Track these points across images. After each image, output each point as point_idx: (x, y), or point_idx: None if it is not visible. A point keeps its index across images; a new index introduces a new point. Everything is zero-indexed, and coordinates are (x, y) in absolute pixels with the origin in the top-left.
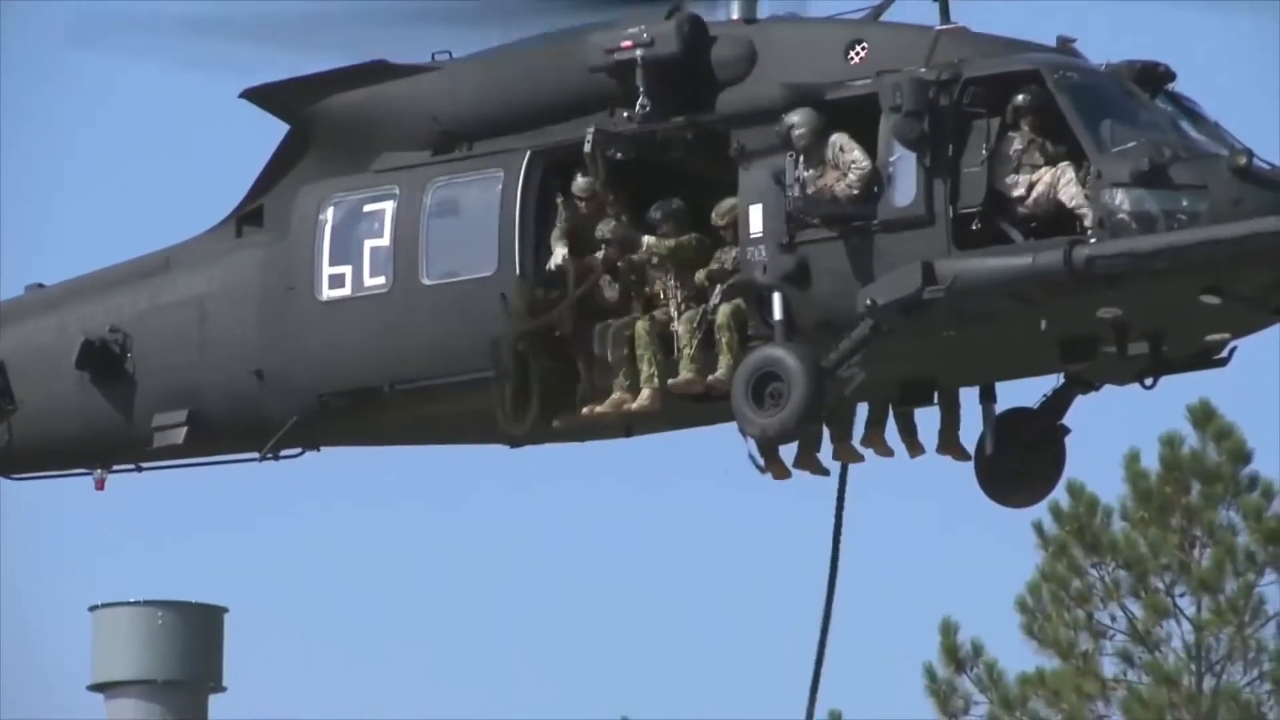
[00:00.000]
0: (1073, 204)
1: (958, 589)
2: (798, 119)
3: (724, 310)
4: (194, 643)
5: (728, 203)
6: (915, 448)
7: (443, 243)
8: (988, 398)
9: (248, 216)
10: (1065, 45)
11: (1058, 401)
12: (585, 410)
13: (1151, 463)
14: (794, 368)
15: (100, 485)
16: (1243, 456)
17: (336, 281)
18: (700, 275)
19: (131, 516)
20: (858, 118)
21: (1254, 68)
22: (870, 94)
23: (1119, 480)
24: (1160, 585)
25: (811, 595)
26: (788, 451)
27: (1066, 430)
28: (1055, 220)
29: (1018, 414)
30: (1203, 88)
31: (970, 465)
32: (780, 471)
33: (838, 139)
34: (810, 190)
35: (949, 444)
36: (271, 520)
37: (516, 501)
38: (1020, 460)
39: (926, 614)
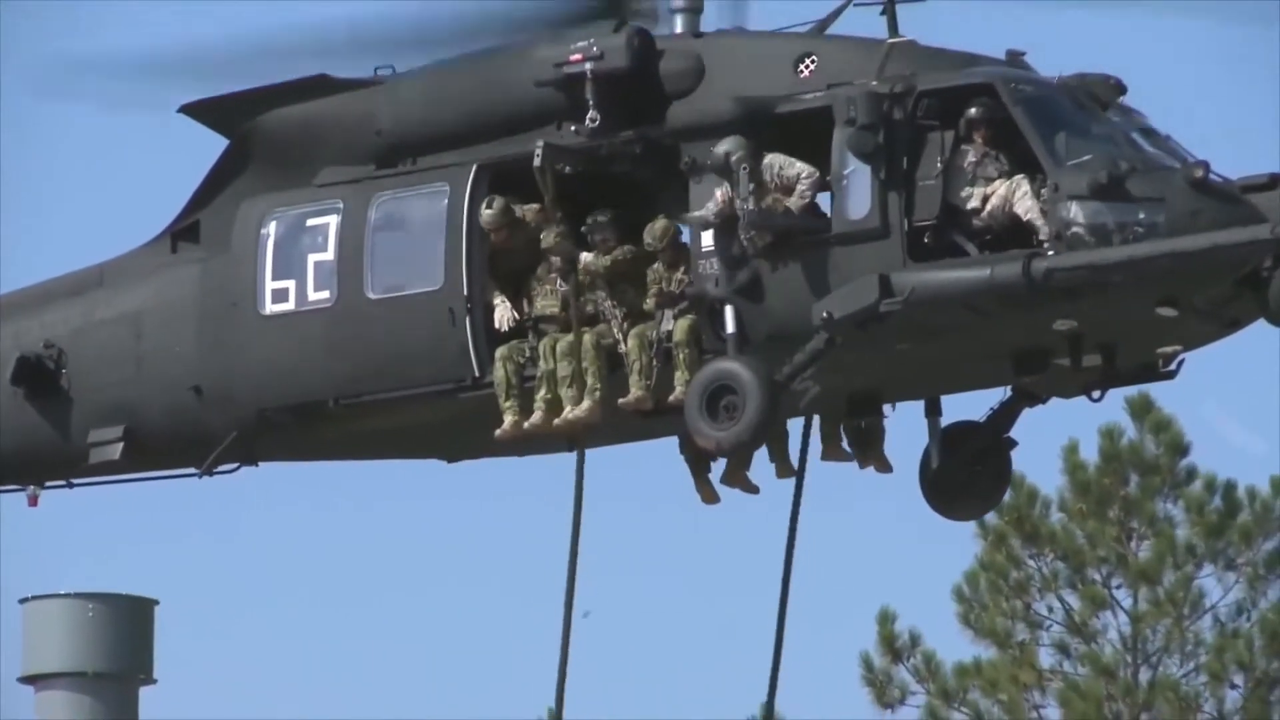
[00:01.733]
0: (1029, 217)
1: (895, 578)
2: (730, 146)
3: (681, 326)
4: (124, 635)
5: (660, 223)
6: (865, 459)
7: (388, 257)
8: (933, 411)
9: (183, 232)
10: (1015, 59)
11: (1004, 414)
12: (525, 423)
13: (1090, 454)
14: (748, 381)
15: (33, 501)
16: (1181, 449)
17: (280, 296)
18: (649, 303)
19: (63, 511)
20: (801, 133)
21: (1199, 76)
22: (823, 107)
23: (1058, 472)
24: (1098, 577)
25: (760, 600)
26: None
27: (1013, 443)
28: (1010, 233)
29: (963, 427)
30: (1150, 99)
31: (894, 466)
32: (709, 495)
33: (772, 160)
34: (762, 204)
35: (876, 455)
36: (202, 514)
37: (450, 513)
38: (966, 473)
39: (864, 604)
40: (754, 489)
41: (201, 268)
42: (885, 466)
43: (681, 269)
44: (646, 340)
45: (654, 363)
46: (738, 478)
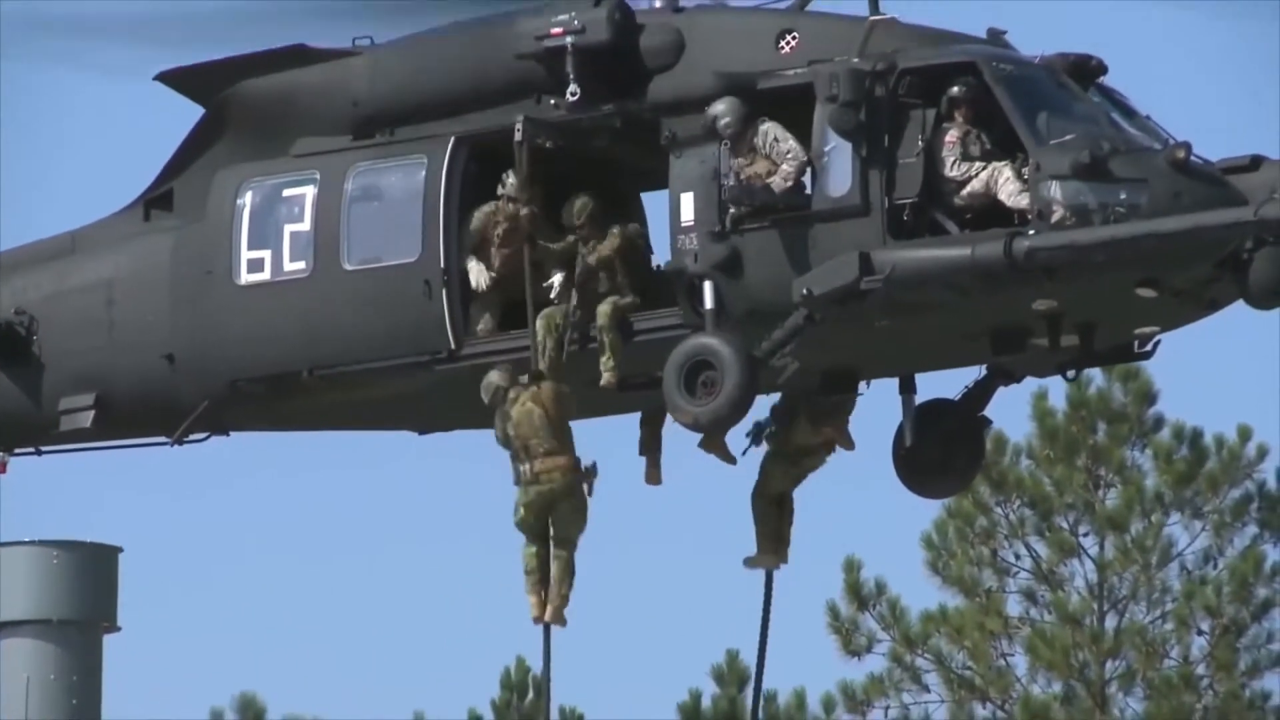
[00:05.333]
0: (1011, 196)
1: (862, 526)
2: (722, 108)
3: (604, 311)
4: (88, 583)
5: (580, 200)
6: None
7: (365, 228)
8: (908, 389)
9: (156, 200)
10: (996, 37)
11: (979, 393)
12: None
13: (1058, 402)
14: (727, 356)
15: (2, 468)
16: (1149, 397)
17: (255, 266)
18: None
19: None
20: (785, 108)
21: (1181, 58)
22: (805, 84)
23: (1026, 419)
24: (1065, 524)
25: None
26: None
27: (987, 422)
28: (990, 211)
29: (938, 405)
30: (1130, 80)
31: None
32: (654, 477)
33: (769, 128)
34: (743, 178)
35: (840, 430)
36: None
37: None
38: (939, 451)
39: (830, 551)
40: (731, 459)
41: (175, 236)
42: (848, 443)
43: (593, 244)
44: (553, 323)
45: (563, 345)
46: (715, 445)
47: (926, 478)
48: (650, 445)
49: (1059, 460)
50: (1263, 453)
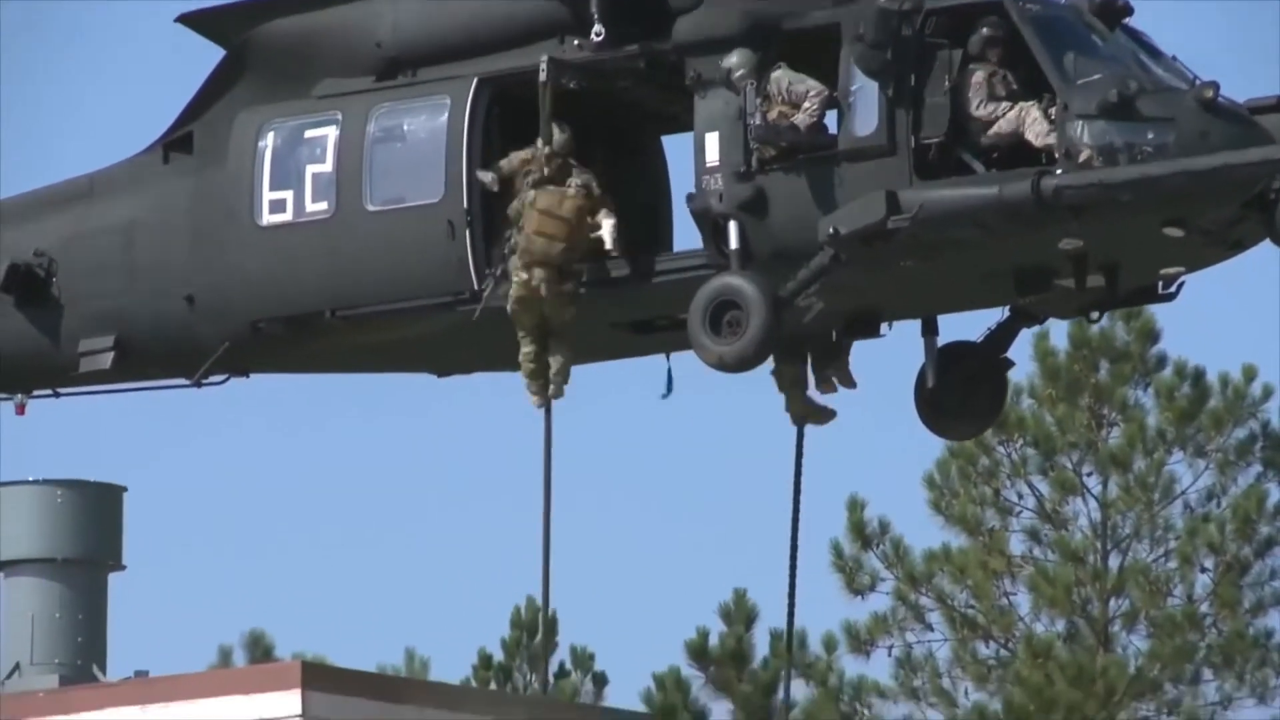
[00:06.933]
0: (1038, 136)
1: (865, 465)
2: (735, 60)
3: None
4: (93, 522)
5: (519, 154)
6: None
7: (387, 169)
8: (930, 330)
9: (175, 143)
10: None
11: (1001, 334)
12: None
13: (1060, 341)
14: (752, 296)
15: (20, 410)
16: (1152, 336)
17: (277, 207)
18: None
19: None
20: (808, 50)
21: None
22: (832, 24)
23: (1028, 358)
24: (1068, 463)
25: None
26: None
27: (1010, 364)
28: (1016, 151)
29: (960, 347)
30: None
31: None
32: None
33: (781, 75)
34: (769, 118)
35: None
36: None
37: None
38: (962, 393)
39: (834, 490)
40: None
41: (195, 178)
42: (849, 381)
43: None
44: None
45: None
46: (809, 411)
47: (948, 419)
48: (795, 381)
49: (1061, 400)
50: (1268, 392)
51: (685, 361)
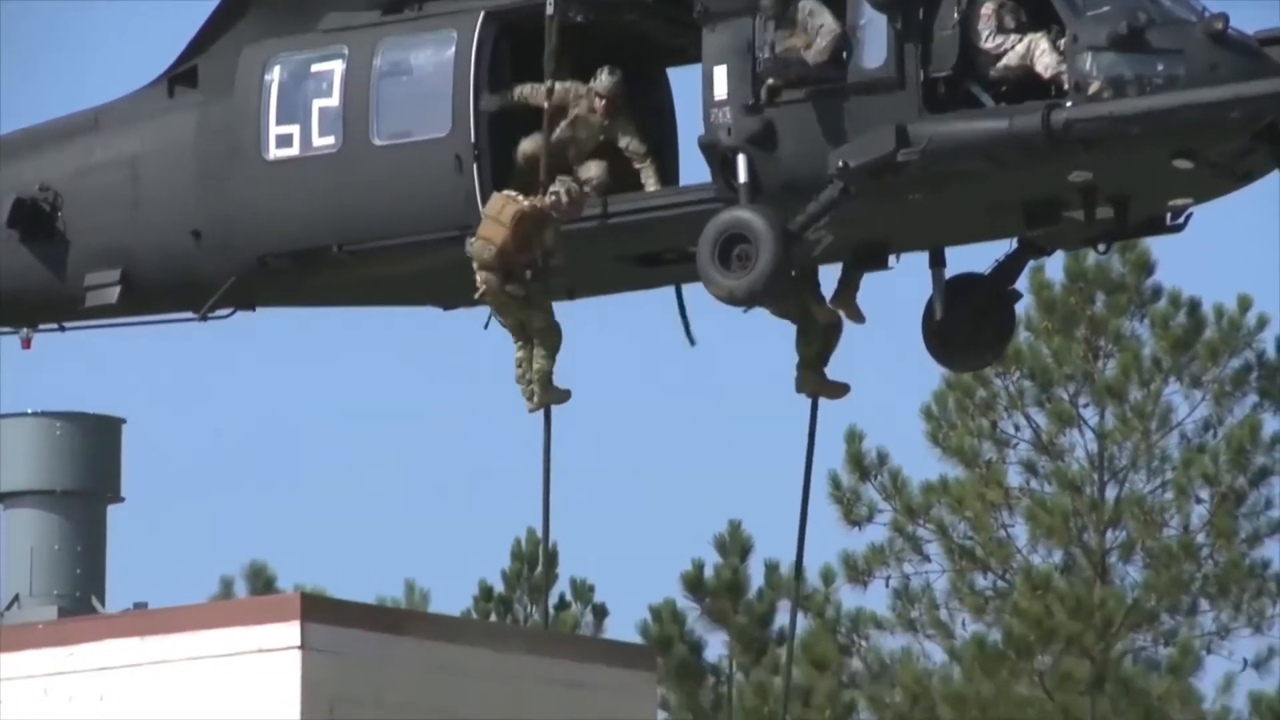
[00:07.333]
0: (1047, 68)
1: (863, 397)
2: None
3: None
4: (92, 454)
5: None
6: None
7: (394, 103)
8: (937, 262)
9: (180, 77)
10: None
11: (1009, 266)
12: None
13: (1056, 274)
14: (761, 229)
15: (26, 344)
16: (1147, 267)
17: (283, 141)
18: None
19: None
20: None
21: None
22: None
23: (1024, 291)
24: (1065, 395)
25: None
26: None
27: (1017, 295)
28: (1025, 84)
29: (968, 279)
30: None
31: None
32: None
33: (806, 2)
34: (778, 51)
35: (846, 302)
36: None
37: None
38: (969, 324)
39: (832, 422)
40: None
41: (200, 112)
42: (857, 316)
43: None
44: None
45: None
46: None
47: (956, 350)
48: (807, 361)
49: (1058, 332)
50: (1263, 322)
51: (688, 294)
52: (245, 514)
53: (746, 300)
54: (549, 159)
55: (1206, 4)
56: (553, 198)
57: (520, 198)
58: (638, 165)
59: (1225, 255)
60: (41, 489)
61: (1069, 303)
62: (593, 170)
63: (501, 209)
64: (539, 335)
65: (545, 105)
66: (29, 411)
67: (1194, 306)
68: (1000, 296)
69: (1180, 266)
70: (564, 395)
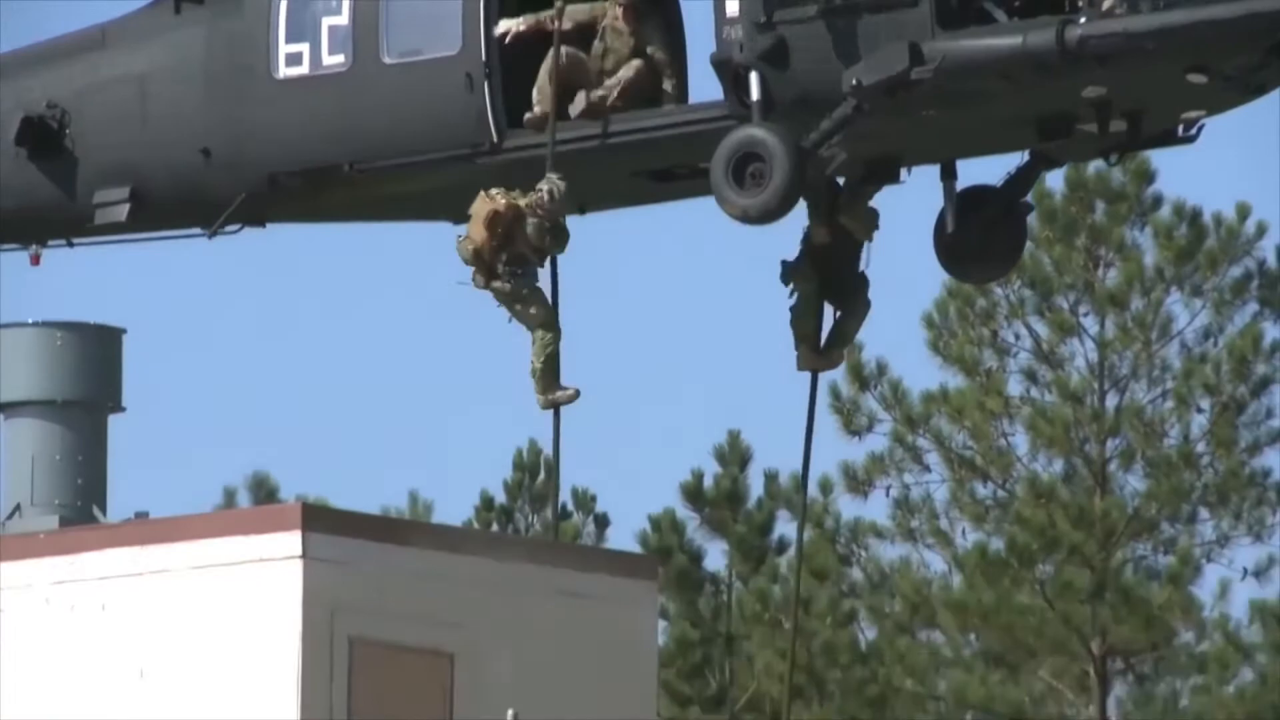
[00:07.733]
0: None
1: None
2: None
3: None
4: (93, 364)
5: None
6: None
7: (404, 21)
8: (948, 175)
9: None
10: None
11: (1021, 178)
12: None
13: (1056, 183)
14: (775, 147)
15: (35, 260)
16: (1147, 176)
17: (293, 60)
18: None
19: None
20: None
21: None
22: None
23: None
24: (1065, 304)
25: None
26: None
27: (1029, 207)
28: (1038, 3)
29: (979, 191)
30: None
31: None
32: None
33: None
34: None
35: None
36: (176, 249)
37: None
38: (981, 237)
39: None
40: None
41: (208, 29)
42: (867, 231)
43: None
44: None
45: None
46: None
47: (968, 263)
48: (804, 335)
49: (1058, 241)
50: (1262, 230)
51: (686, 207)
52: (250, 425)
53: (760, 219)
54: (558, 80)
55: None
56: (536, 195)
57: (498, 196)
58: (664, 75)
59: (1224, 163)
60: (42, 399)
61: (1070, 212)
62: (630, 70)
63: (480, 208)
64: (538, 329)
65: (555, 26)
66: (29, 321)
67: (1195, 216)
68: (1012, 208)
69: (1180, 175)
70: (572, 395)
